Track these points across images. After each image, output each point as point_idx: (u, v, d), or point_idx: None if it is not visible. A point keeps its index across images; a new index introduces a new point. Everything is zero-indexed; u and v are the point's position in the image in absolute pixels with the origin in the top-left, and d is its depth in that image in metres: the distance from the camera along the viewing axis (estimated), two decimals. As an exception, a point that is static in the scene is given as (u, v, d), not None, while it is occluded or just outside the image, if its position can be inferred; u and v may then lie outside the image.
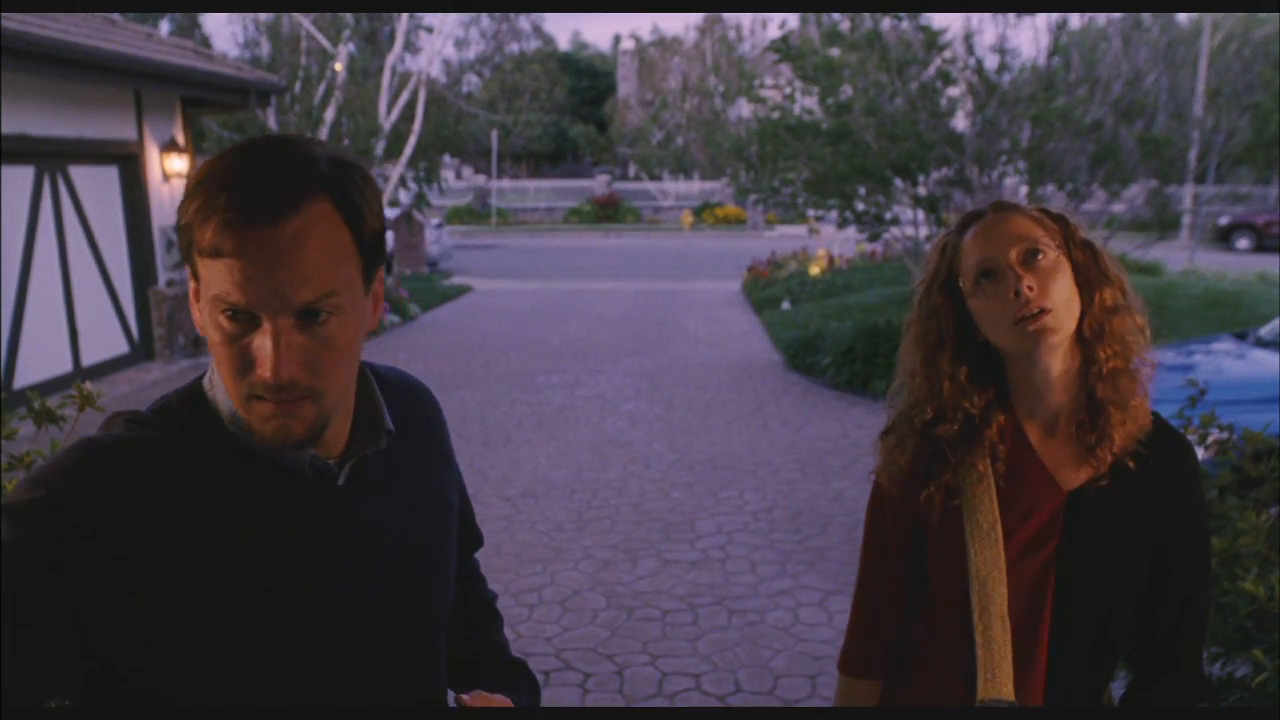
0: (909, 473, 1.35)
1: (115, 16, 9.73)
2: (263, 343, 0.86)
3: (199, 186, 0.86)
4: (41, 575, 0.83)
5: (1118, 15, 10.07)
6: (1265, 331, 5.86)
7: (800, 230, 21.50)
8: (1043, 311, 1.22)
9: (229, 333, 0.87)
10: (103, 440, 0.92)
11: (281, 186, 0.86)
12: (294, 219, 0.85)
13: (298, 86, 14.58)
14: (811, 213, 10.85)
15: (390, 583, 1.04)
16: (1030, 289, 1.22)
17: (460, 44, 42.71)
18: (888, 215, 9.45)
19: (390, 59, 16.31)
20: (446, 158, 30.12)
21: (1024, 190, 9.54)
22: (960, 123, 9.34)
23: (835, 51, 9.29)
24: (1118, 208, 9.66)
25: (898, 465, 1.36)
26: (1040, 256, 1.24)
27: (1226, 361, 5.74)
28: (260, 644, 0.93)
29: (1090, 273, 1.27)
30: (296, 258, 0.85)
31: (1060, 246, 1.26)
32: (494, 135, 31.45)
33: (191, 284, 0.92)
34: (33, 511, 0.85)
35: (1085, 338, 1.27)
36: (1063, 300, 1.24)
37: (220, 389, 0.96)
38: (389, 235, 16.63)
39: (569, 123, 42.73)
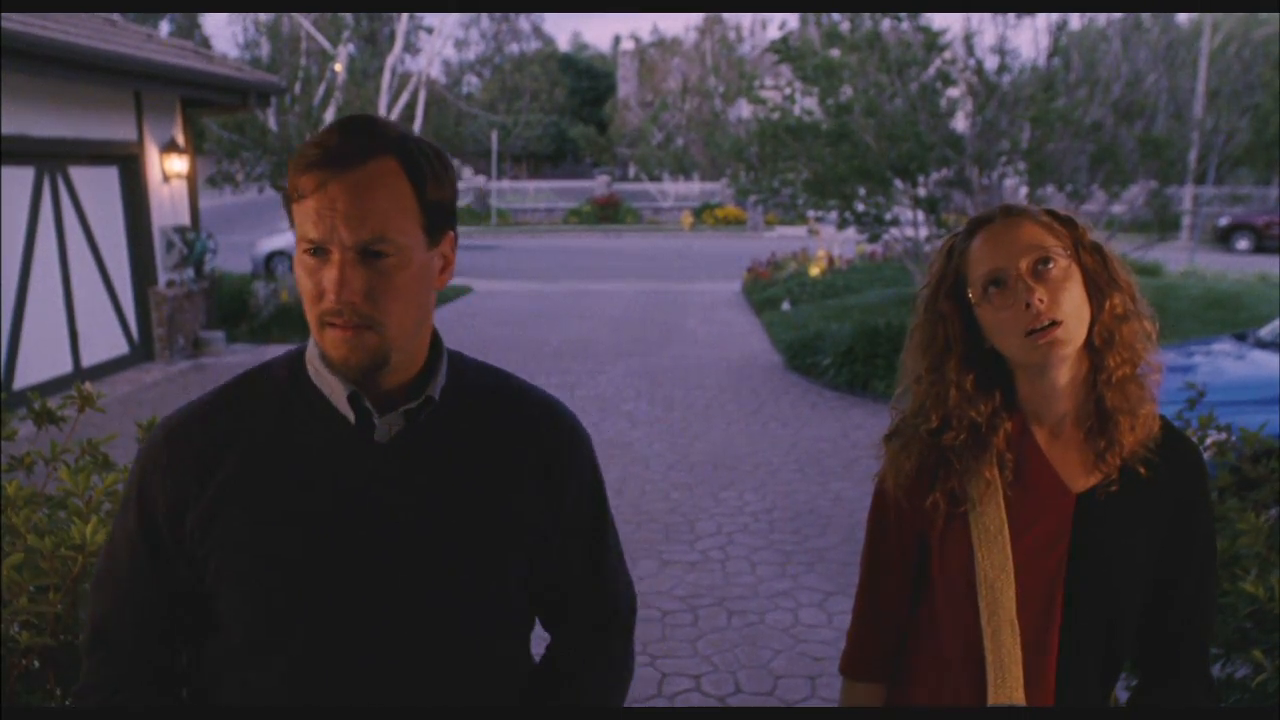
0: (914, 478, 1.33)
1: (115, 17, 9.73)
2: (330, 273, 1.04)
3: (299, 149, 1.06)
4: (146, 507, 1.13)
5: (1118, 16, 10.07)
6: (1265, 332, 5.86)
7: (800, 231, 21.51)
8: (1054, 324, 1.21)
9: (309, 266, 1.05)
10: (187, 405, 1.18)
11: (357, 141, 1.04)
12: (363, 168, 1.03)
13: (298, 87, 14.59)
14: (811, 213, 10.86)
15: (401, 547, 1.11)
16: (1041, 301, 1.20)
17: (460, 45, 42.76)
18: (888, 216, 9.45)
19: (390, 60, 16.32)
20: (446, 158, 30.05)
21: (1024, 191, 9.54)
22: (960, 123, 9.35)
23: (835, 52, 9.29)
24: (1118, 208, 9.66)
25: (903, 471, 1.34)
26: (1051, 266, 1.22)
27: (1226, 362, 5.74)
28: (280, 562, 1.10)
29: (1100, 279, 1.25)
30: (360, 200, 1.03)
31: (1070, 252, 1.24)
32: (494, 136, 31.47)
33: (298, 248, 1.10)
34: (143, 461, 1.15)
35: (1095, 345, 1.25)
36: (1073, 310, 1.22)
37: (312, 342, 1.14)
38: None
39: (569, 123, 42.70)
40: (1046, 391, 1.28)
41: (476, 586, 1.16)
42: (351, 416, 1.11)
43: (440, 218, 1.10)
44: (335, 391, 1.11)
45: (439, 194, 1.09)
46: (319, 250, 1.04)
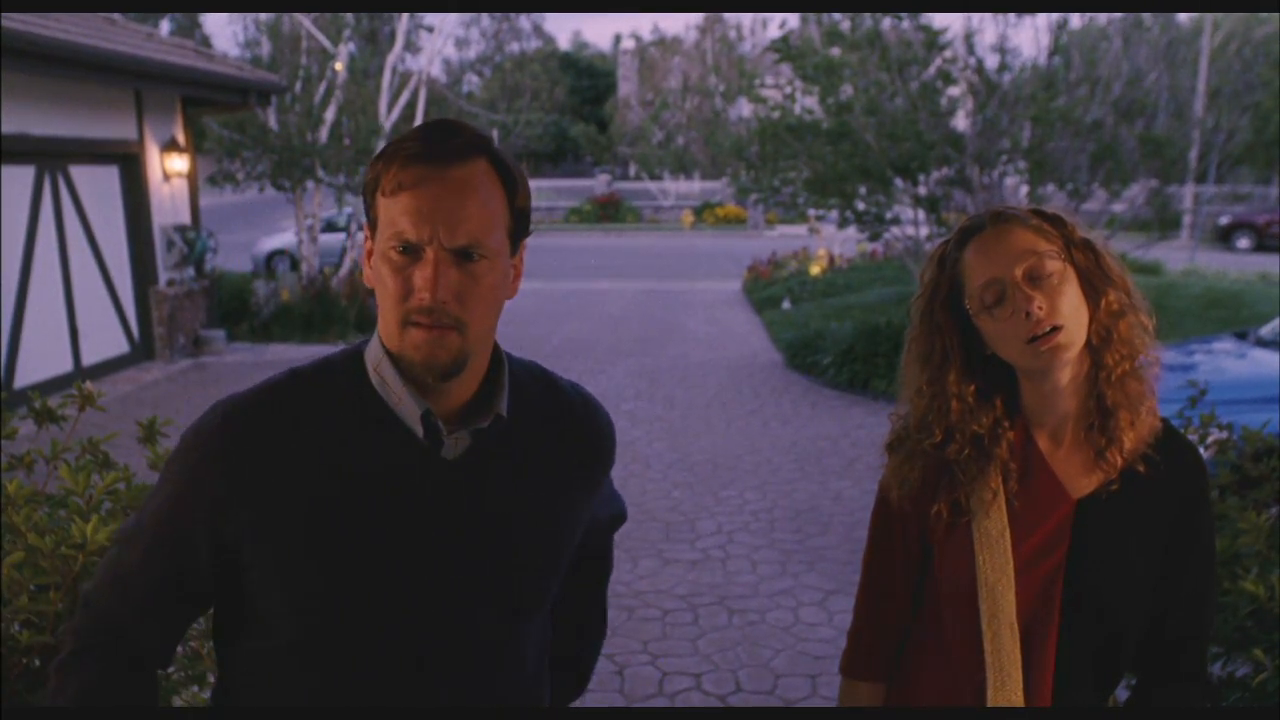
0: (919, 489, 1.34)
1: (115, 16, 9.73)
2: (424, 271, 1.01)
3: (387, 147, 1.05)
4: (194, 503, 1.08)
5: (1118, 15, 10.06)
6: (1265, 331, 5.86)
7: (800, 230, 21.48)
8: (1055, 330, 1.21)
9: (397, 264, 1.03)
10: (246, 395, 1.11)
11: (456, 140, 1.04)
12: (463, 167, 1.03)
13: (298, 86, 14.54)
14: (812, 212, 10.85)
15: (468, 564, 1.11)
16: (1040, 309, 1.20)
17: (460, 44, 42.78)
18: (888, 215, 9.45)
19: (390, 59, 16.28)
20: (447, 157, 30.02)
21: (1024, 190, 9.54)
22: (961, 122, 9.34)
23: (835, 51, 9.28)
24: (1118, 207, 9.65)
25: (909, 482, 1.34)
26: (1046, 271, 1.22)
27: (1226, 361, 5.74)
28: (343, 574, 1.07)
29: (1094, 276, 1.25)
30: (462, 201, 1.02)
31: (1062, 253, 1.24)
32: (494, 135, 31.40)
33: (367, 243, 1.08)
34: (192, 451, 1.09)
35: (1093, 343, 1.25)
36: (1072, 313, 1.22)
37: (373, 349, 1.10)
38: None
39: (569, 122, 42.68)
40: (1049, 393, 1.28)
41: (538, 595, 1.18)
42: (420, 431, 1.08)
43: (522, 225, 1.10)
44: (403, 404, 1.08)
45: (524, 201, 1.09)
46: (410, 248, 1.02)
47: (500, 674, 1.16)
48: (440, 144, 1.02)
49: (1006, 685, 1.26)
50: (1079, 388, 1.28)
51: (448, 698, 1.12)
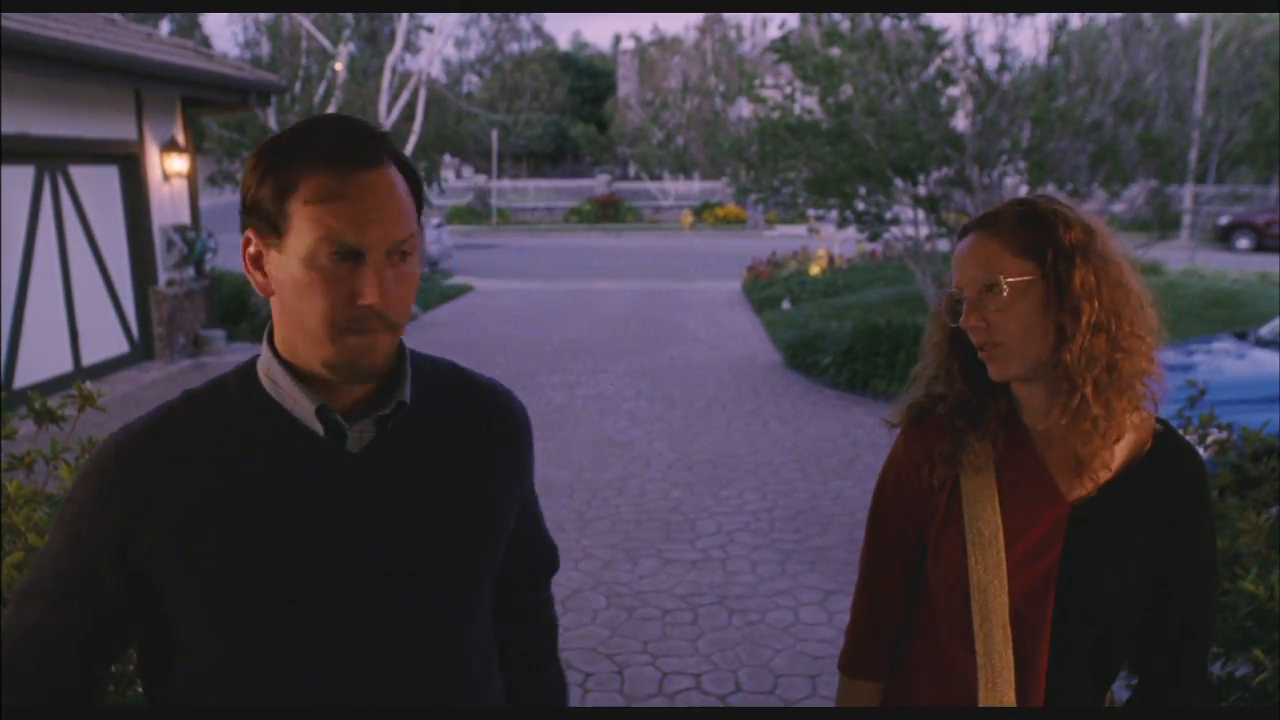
0: (920, 459, 1.36)
1: (115, 16, 9.72)
2: (367, 275, 0.99)
3: (291, 150, 1.00)
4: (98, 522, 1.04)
5: (1118, 15, 10.07)
6: (1265, 331, 5.86)
7: (800, 230, 21.49)
8: (994, 345, 1.25)
9: (332, 271, 0.99)
10: (137, 422, 1.09)
11: (369, 141, 1.02)
12: (383, 168, 1.02)
13: (298, 86, 14.57)
14: (811, 212, 10.86)
15: (389, 556, 1.08)
16: (978, 326, 1.25)
17: (460, 44, 42.81)
18: (888, 215, 9.45)
19: (390, 59, 16.29)
20: (447, 157, 30.12)
21: (1024, 190, 9.54)
22: (960, 122, 9.34)
23: (835, 51, 9.28)
24: (1118, 208, 9.66)
25: (910, 424, 1.39)
26: (998, 289, 1.23)
27: (1226, 361, 5.75)
28: (260, 584, 1.04)
29: (1066, 293, 1.22)
30: (393, 200, 1.01)
31: (1034, 266, 1.23)
32: (494, 135, 31.43)
33: (252, 247, 1.04)
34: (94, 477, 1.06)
35: (1066, 363, 1.23)
36: (1018, 331, 1.23)
37: (264, 357, 1.08)
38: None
39: (569, 123, 42.70)
40: (1025, 398, 1.31)
41: (466, 585, 1.16)
42: (320, 429, 1.06)
43: (419, 217, 1.11)
44: (299, 405, 1.06)
45: (423, 193, 1.11)
46: (350, 254, 0.99)
47: (440, 672, 1.14)
48: (359, 150, 1.01)
49: (998, 685, 1.26)
50: (1063, 400, 1.26)
51: (387, 700, 1.09)
